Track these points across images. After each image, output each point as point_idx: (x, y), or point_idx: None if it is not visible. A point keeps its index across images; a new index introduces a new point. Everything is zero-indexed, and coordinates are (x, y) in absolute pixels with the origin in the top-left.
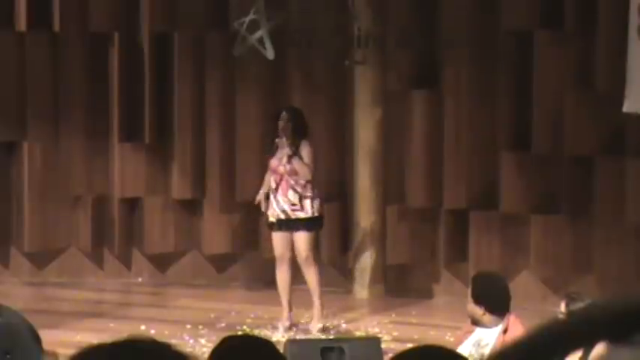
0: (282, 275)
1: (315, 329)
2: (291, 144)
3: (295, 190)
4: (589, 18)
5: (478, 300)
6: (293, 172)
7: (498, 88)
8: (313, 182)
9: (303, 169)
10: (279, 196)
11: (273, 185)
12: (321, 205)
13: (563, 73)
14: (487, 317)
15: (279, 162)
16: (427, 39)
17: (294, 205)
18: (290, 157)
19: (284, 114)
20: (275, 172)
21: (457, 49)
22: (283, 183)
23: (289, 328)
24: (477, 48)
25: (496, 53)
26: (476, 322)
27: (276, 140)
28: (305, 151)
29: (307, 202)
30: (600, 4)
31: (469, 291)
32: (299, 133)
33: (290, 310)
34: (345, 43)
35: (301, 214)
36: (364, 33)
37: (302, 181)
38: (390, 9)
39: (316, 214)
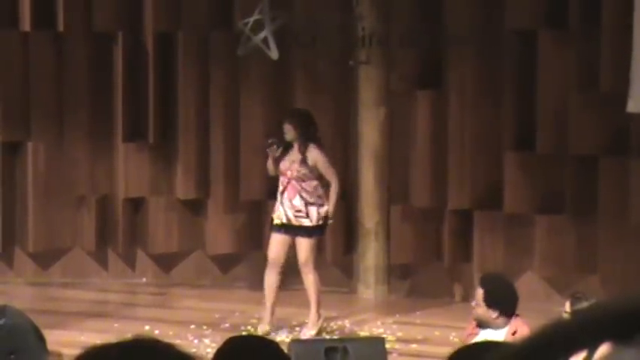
0: (271, 279)
1: (306, 335)
2: (301, 150)
3: (302, 196)
4: (593, 17)
5: (492, 304)
6: (301, 178)
7: (502, 88)
8: (320, 187)
9: (327, 174)
10: (285, 200)
11: (280, 188)
12: (326, 211)
13: (567, 73)
14: (499, 320)
15: (289, 165)
16: (431, 39)
17: (298, 211)
18: (301, 163)
19: (286, 124)
20: (283, 174)
21: (461, 49)
22: (290, 187)
23: (268, 334)
24: (481, 47)
25: (500, 53)
26: (482, 325)
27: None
28: (317, 157)
29: (313, 210)
30: (604, 3)
31: (478, 295)
32: (306, 137)
33: (272, 314)
34: (350, 42)
35: (306, 222)
36: (368, 33)
37: (309, 187)
38: (394, 9)
39: (320, 222)
